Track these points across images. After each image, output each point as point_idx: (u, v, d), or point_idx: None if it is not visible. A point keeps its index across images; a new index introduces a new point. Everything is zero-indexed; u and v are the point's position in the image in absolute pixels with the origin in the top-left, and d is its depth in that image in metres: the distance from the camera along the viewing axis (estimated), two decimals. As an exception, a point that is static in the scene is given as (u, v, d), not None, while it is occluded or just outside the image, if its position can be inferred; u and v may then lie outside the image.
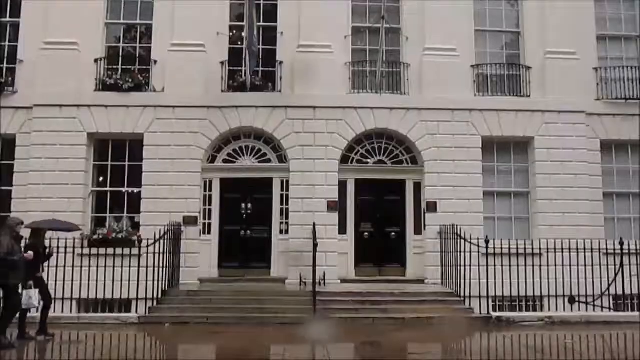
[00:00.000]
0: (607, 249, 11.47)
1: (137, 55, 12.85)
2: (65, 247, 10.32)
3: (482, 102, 12.64)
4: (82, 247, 11.28)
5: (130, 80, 12.31)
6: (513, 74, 13.03)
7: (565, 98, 12.65)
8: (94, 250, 11.15)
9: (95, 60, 12.46)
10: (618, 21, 13.65)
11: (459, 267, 10.71)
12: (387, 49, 12.52)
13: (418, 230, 12.50)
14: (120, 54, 12.85)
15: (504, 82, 12.96)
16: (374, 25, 12.47)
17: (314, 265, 10.33)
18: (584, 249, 10.93)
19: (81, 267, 10.45)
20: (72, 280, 10.37)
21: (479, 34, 13.16)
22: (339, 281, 11.83)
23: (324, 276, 11.37)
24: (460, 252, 10.67)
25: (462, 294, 10.65)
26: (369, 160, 12.71)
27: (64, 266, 10.30)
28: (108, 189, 12.41)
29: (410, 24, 12.91)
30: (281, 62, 12.62)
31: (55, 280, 10.30)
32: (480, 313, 10.40)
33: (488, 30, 13.27)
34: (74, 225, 10.00)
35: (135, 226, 12.10)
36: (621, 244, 10.89)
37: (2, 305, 7.96)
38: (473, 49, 12.98)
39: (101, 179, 12.53)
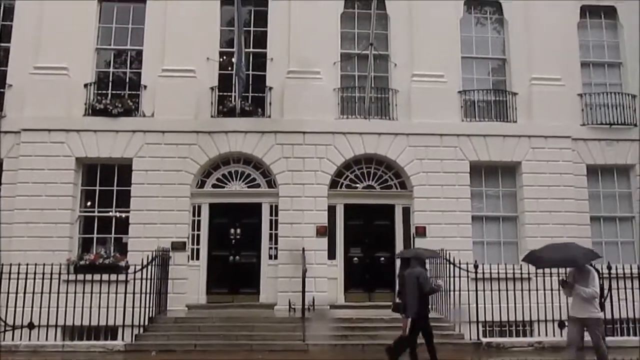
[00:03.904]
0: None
1: (127, 80, 12.90)
2: (51, 273, 10.23)
3: (470, 128, 12.79)
4: (67, 273, 11.18)
5: (120, 105, 12.32)
6: (500, 100, 13.23)
7: (551, 123, 12.85)
8: (80, 276, 10.99)
9: (85, 85, 12.48)
10: (601, 48, 13.97)
11: (448, 292, 10.68)
12: (376, 75, 12.73)
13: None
14: (110, 78, 12.90)
15: (491, 108, 13.15)
16: (363, 51, 12.64)
17: (303, 291, 10.26)
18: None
19: (67, 293, 10.33)
20: (57, 307, 10.23)
21: (466, 60, 13.38)
22: (329, 307, 11.73)
23: (313, 302, 11.28)
24: (450, 277, 10.65)
25: (452, 320, 10.60)
26: (358, 185, 12.75)
27: (49, 292, 10.20)
28: (96, 214, 12.30)
29: (398, 51, 13.10)
30: (271, 88, 12.72)
31: (40, 307, 10.21)
32: (471, 339, 10.34)
33: (474, 57, 13.48)
34: (435, 252, 10.09)
35: (123, 251, 11.96)
36: (609, 268, 10.92)
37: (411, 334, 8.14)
38: (460, 75, 13.18)
39: (89, 203, 12.43)
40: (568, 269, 8.16)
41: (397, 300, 8.92)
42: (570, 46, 13.50)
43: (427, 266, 9.17)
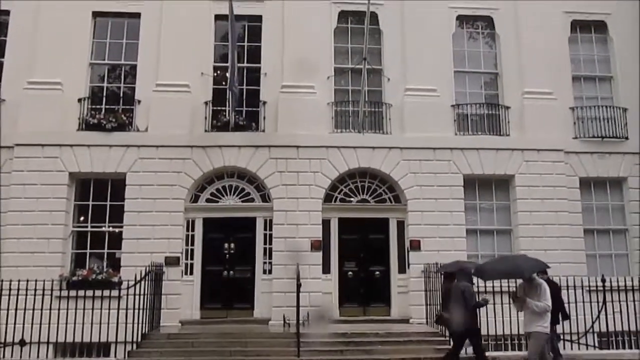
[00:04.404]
0: (589, 286, 11.51)
1: (121, 95, 12.91)
2: (43, 289, 10.09)
3: (463, 141, 12.85)
4: (60, 289, 11.06)
5: (114, 120, 12.32)
6: (492, 114, 13.31)
7: (543, 136, 12.94)
8: (73, 292, 10.83)
9: (79, 100, 12.48)
10: (592, 62, 14.11)
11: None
12: (369, 89, 12.78)
13: (402, 269, 12.47)
14: (104, 93, 12.89)
15: (484, 122, 13.23)
16: (356, 66, 12.73)
17: (298, 306, 10.19)
18: (567, 286, 10.93)
19: (59, 309, 10.19)
20: (49, 324, 10.10)
21: (459, 74, 13.48)
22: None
23: (308, 316, 11.22)
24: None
25: (447, 334, 10.53)
26: (352, 199, 12.76)
27: (41, 309, 10.06)
28: (89, 229, 12.23)
29: (391, 65, 13.20)
30: (265, 102, 12.76)
31: (32, 324, 10.08)
32: (466, 353, 10.25)
33: (467, 71, 13.59)
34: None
35: (116, 267, 11.88)
36: (603, 280, 10.93)
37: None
38: (453, 89, 13.27)
39: (82, 218, 12.36)
40: (519, 282, 8.10)
41: (443, 314, 8.82)
42: (561, 60, 13.65)
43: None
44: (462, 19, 13.76)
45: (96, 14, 13.02)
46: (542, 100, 13.16)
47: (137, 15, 13.00)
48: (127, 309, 9.96)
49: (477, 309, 8.51)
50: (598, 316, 10.99)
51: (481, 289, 10.45)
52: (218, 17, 13.02)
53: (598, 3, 14.01)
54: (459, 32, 13.73)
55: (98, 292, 10.60)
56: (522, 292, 7.72)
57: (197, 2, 12.94)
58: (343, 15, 13.41)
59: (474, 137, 12.96)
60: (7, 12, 12.74)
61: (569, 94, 13.55)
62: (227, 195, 12.57)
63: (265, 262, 12.27)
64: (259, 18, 13.23)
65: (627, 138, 13.33)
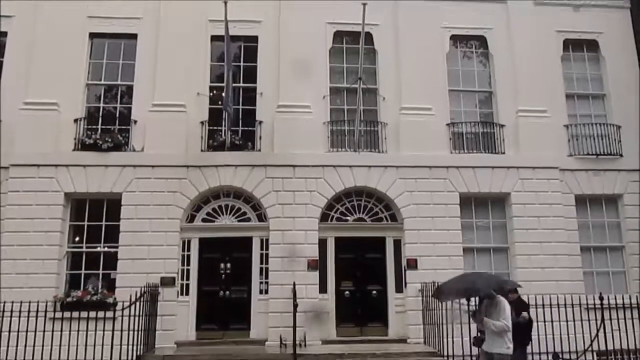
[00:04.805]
0: (587, 304, 11.54)
1: (118, 115, 12.92)
2: (37, 311, 10.01)
3: (459, 159, 12.89)
4: (54, 311, 10.97)
5: (110, 140, 12.32)
6: (487, 132, 13.38)
7: (538, 154, 12.99)
8: (67, 314, 10.73)
9: (75, 120, 12.49)
10: (585, 80, 14.22)
11: (441, 326, 10.57)
12: (365, 108, 12.88)
13: (399, 288, 12.40)
14: (101, 113, 12.91)
15: (479, 140, 13.28)
16: (352, 85, 12.81)
17: (294, 326, 10.13)
18: (565, 304, 10.93)
19: (52, 331, 10.08)
20: (43, 346, 10.00)
21: (453, 93, 13.57)
22: (320, 342, 11.56)
23: (305, 337, 11.12)
24: (443, 309, 10.56)
25: (445, 353, 10.47)
26: (348, 218, 12.73)
27: (35, 331, 9.96)
28: (84, 249, 12.15)
29: (386, 84, 13.28)
30: (261, 122, 12.80)
31: (25, 346, 9.99)
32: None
33: (462, 90, 13.69)
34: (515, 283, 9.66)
35: (111, 288, 11.79)
36: (601, 298, 10.90)
37: None
38: (448, 107, 13.34)
39: (77, 239, 12.29)
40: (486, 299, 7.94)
41: (478, 334, 8.69)
42: (554, 78, 13.77)
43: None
44: (455, 39, 13.90)
45: (93, 35, 13.11)
46: (536, 118, 13.24)
47: (133, 37, 13.09)
48: (122, 330, 9.88)
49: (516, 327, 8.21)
50: (597, 334, 10.94)
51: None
52: (214, 38, 13.12)
53: (590, 22, 14.20)
54: (453, 51, 13.86)
55: (92, 314, 10.50)
56: (484, 310, 7.55)
57: (194, 23, 13.06)
58: (338, 35, 13.53)
59: (470, 155, 13.01)
60: (4, 34, 12.82)
61: (562, 111, 13.64)
62: (223, 214, 12.55)
63: (261, 282, 12.19)
64: (255, 39, 13.34)
65: (621, 155, 13.39)
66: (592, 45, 14.30)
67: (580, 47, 14.31)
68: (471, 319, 7.88)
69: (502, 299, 7.38)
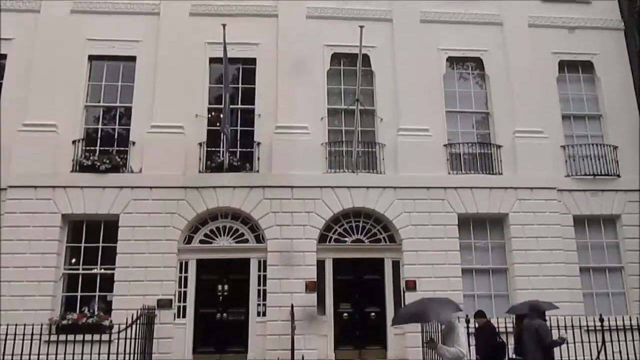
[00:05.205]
0: (587, 326, 11.40)
1: (116, 136, 12.96)
2: (32, 334, 9.90)
3: (456, 180, 12.90)
4: (49, 334, 10.84)
5: (108, 161, 12.33)
6: (485, 152, 13.42)
7: (536, 175, 13.01)
8: (62, 337, 10.62)
9: (73, 142, 12.52)
10: (580, 101, 14.31)
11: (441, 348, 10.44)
12: (363, 130, 12.91)
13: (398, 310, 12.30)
14: (99, 135, 12.94)
15: (477, 160, 13.32)
16: (349, 107, 12.89)
17: (292, 349, 10.05)
18: (565, 326, 10.82)
19: (47, 354, 9.99)
20: (37, 370, 9.87)
21: (450, 114, 13.64)
22: (318, 364, 11.46)
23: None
24: (440, 332, 10.44)
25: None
26: (346, 239, 12.69)
27: (29, 354, 9.83)
28: (80, 271, 12.07)
29: (384, 106, 13.36)
30: (259, 143, 12.83)
31: (19, 371, 9.84)
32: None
33: (459, 111, 13.76)
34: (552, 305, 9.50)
35: (107, 310, 11.69)
36: (601, 320, 10.83)
37: None
38: (445, 128, 13.40)
39: (73, 260, 12.22)
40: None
41: (514, 356, 8.58)
42: (550, 99, 13.88)
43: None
44: (452, 60, 14.03)
45: (92, 58, 13.21)
46: (533, 138, 13.31)
47: (132, 59, 13.19)
48: (117, 353, 9.78)
49: (553, 348, 8.21)
50: (597, 357, 10.85)
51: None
52: (213, 60, 13.22)
53: (584, 44, 14.36)
54: (450, 72, 13.97)
55: (88, 336, 10.37)
56: (441, 336, 7.45)
57: (193, 46, 13.18)
58: (336, 57, 13.65)
59: (467, 176, 13.03)
60: (4, 56, 12.90)
61: (559, 132, 13.71)
62: (221, 236, 12.50)
63: (259, 304, 12.09)
64: (253, 61, 13.44)
65: (618, 175, 13.42)
66: (587, 67, 14.44)
67: (575, 68, 14.44)
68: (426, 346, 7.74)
69: (457, 324, 7.23)
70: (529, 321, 8.03)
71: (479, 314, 9.50)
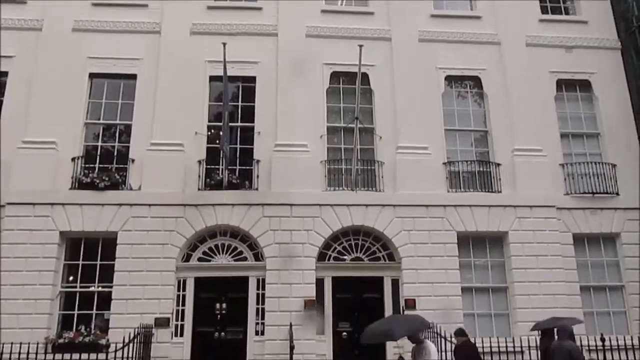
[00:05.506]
0: (589, 346, 11.32)
1: (115, 154, 12.96)
2: (27, 353, 9.79)
3: (455, 198, 12.89)
4: (45, 353, 10.73)
5: (107, 179, 12.32)
6: (484, 171, 13.43)
7: (535, 193, 13.00)
8: (58, 356, 10.52)
9: (73, 159, 12.53)
10: (579, 119, 14.36)
11: (440, 368, 10.36)
12: (362, 147, 12.92)
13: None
14: (98, 152, 12.95)
15: (476, 179, 13.32)
16: (349, 125, 12.93)
17: (291, 369, 9.93)
18: (566, 346, 10.72)
19: (43, 375, 9.87)
20: (32, 391, 9.75)
21: (449, 132, 13.68)
22: (317, 385, 11.33)
23: (301, 378, 10.90)
24: (441, 351, 10.36)
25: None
26: (346, 257, 12.64)
27: (24, 375, 9.74)
28: (78, 289, 11.98)
29: (383, 124, 13.41)
30: (258, 161, 12.84)
31: (13, 391, 9.72)
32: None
33: (457, 130, 13.81)
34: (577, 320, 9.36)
35: (104, 328, 11.57)
36: (602, 340, 10.75)
37: None
38: (444, 146, 13.44)
39: (71, 278, 12.14)
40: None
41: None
42: (549, 118, 13.93)
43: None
44: (450, 79, 14.12)
45: (93, 75, 13.28)
46: (532, 157, 13.34)
47: (133, 77, 13.26)
48: (113, 373, 9.66)
49: None
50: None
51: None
52: (213, 78, 13.30)
53: (582, 63, 14.46)
54: (448, 91, 14.05)
55: (85, 356, 10.30)
56: (412, 356, 7.36)
57: (193, 64, 13.28)
58: (335, 76, 13.73)
59: (467, 194, 13.02)
60: (5, 74, 12.97)
61: (558, 150, 13.74)
62: (219, 254, 12.44)
63: (257, 323, 11.98)
64: (252, 79, 13.51)
65: (617, 194, 13.41)
66: (584, 85, 14.52)
67: (573, 87, 14.52)
68: None
69: (428, 343, 7.19)
70: (560, 342, 7.85)
71: (459, 332, 9.41)
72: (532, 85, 13.99)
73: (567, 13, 15.39)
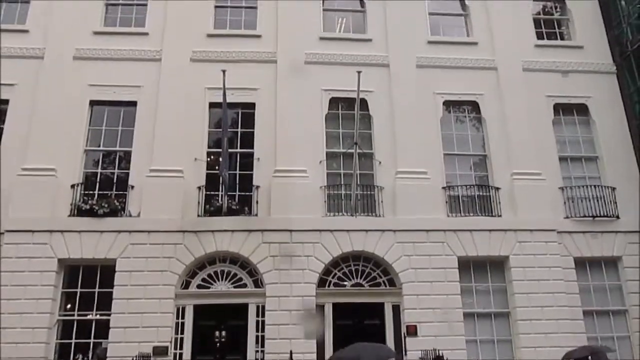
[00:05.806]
0: (593, 372, 11.16)
1: (115, 180, 12.96)
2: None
3: (455, 223, 12.86)
4: (41, 383, 10.59)
5: (106, 206, 12.30)
6: (483, 195, 13.43)
7: (535, 217, 12.97)
8: (55, 387, 10.42)
9: (72, 186, 12.52)
10: (577, 143, 14.42)
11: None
12: (361, 173, 12.93)
13: (399, 356, 12.03)
14: (98, 179, 12.95)
15: (475, 203, 13.30)
16: (348, 150, 12.97)
17: (291, 398, 9.76)
18: (570, 372, 10.59)
19: (38, 407, 9.71)
20: None
21: (448, 157, 13.73)
22: (318, 414, 11.13)
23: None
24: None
25: None
26: (346, 283, 12.54)
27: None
28: (75, 317, 11.86)
29: (382, 149, 13.45)
30: (258, 187, 12.84)
31: None
32: None
33: (456, 154, 13.84)
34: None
35: (102, 357, 11.39)
36: (607, 365, 10.60)
37: None
38: (443, 171, 13.46)
39: (69, 306, 12.02)
40: None
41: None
42: (547, 142, 13.99)
43: None
44: (448, 104, 14.22)
45: (93, 103, 13.37)
46: (531, 180, 13.34)
47: (133, 104, 13.35)
48: (111, 404, 9.50)
49: None
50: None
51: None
52: (212, 105, 13.39)
53: (578, 87, 14.60)
54: (447, 116, 14.14)
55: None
56: None
57: (193, 91, 13.38)
58: (334, 102, 13.83)
59: (466, 219, 12.99)
60: (6, 102, 13.06)
61: (557, 174, 13.76)
62: (218, 280, 12.35)
63: (257, 351, 11.82)
64: (252, 105, 13.60)
65: (618, 217, 13.38)
66: (582, 109, 14.62)
67: (570, 111, 14.62)
68: None
69: None
70: None
71: None
72: (530, 110, 14.09)
73: (562, 38, 15.59)
